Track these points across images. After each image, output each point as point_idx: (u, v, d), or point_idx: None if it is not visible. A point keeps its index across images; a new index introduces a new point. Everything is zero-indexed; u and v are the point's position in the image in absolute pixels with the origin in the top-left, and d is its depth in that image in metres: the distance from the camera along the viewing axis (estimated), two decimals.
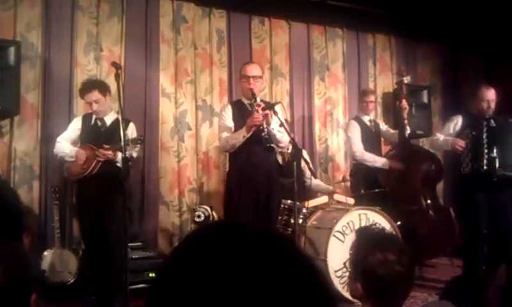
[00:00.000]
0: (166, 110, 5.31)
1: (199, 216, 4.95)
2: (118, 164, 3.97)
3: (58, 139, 4.21)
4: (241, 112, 4.07)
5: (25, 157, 4.61)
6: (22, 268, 1.41)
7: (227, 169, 4.62)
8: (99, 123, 4.18)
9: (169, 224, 5.23)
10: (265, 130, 3.78)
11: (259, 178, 3.96)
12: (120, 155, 3.88)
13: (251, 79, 4.00)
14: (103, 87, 4.15)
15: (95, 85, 4.15)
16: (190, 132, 5.43)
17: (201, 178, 5.42)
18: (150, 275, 4.08)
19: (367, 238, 1.87)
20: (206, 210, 4.93)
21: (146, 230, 5.10)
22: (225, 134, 4.04)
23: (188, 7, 5.51)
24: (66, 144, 4.17)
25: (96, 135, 4.10)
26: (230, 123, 4.06)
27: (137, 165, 4.86)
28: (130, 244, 3.57)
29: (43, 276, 4.07)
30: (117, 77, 3.45)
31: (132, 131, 4.17)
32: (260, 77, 4.16)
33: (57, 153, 4.21)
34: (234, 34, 5.77)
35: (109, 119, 4.19)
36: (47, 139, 4.68)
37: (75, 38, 4.92)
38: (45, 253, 4.22)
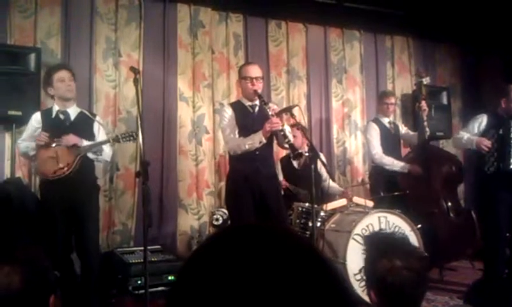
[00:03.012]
0: (184, 114, 5.34)
1: (217, 219, 4.97)
2: (93, 160, 3.84)
3: (18, 141, 3.97)
4: (242, 114, 3.96)
5: None
6: (41, 271, 1.43)
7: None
8: (61, 116, 3.86)
9: (187, 227, 5.25)
10: (283, 130, 3.74)
11: (262, 181, 3.89)
12: (85, 143, 3.75)
13: (255, 80, 3.90)
14: (71, 71, 3.93)
15: (63, 66, 4.02)
16: (208, 135, 5.45)
17: (219, 181, 5.43)
18: (169, 278, 4.08)
19: (374, 246, 1.85)
20: (224, 213, 4.94)
21: (165, 233, 5.13)
22: (232, 136, 3.92)
23: (205, 12, 5.54)
24: (27, 143, 3.85)
25: (61, 130, 3.75)
26: (235, 125, 3.94)
27: (106, 166, 4.82)
28: (149, 247, 3.56)
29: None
30: (136, 81, 3.45)
31: (98, 126, 3.97)
32: (262, 78, 4.05)
33: (20, 152, 3.95)
34: (251, 37, 5.79)
35: (72, 112, 3.90)
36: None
37: (94, 44, 4.98)
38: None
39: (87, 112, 4.01)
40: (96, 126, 3.95)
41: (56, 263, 3.57)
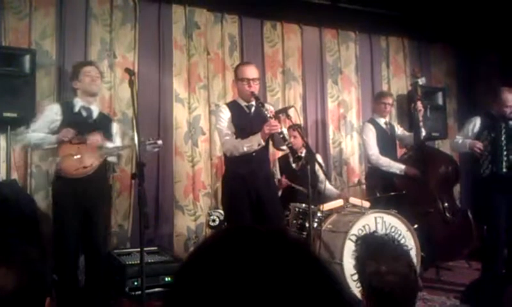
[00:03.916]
0: (180, 115, 5.33)
1: (214, 220, 4.96)
2: (110, 159, 3.85)
3: (28, 130, 3.82)
4: (239, 114, 3.96)
5: (42, 163, 4.64)
6: (36, 273, 1.42)
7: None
8: (84, 112, 3.82)
9: (184, 228, 5.24)
10: (282, 132, 3.74)
11: (258, 182, 3.89)
12: (108, 144, 3.75)
13: (252, 82, 3.89)
14: (99, 69, 3.98)
15: (92, 62, 4.07)
16: (203, 136, 5.45)
17: (216, 183, 5.43)
18: (166, 279, 4.08)
19: (363, 247, 1.86)
20: (221, 214, 4.94)
21: (161, 234, 5.12)
22: (229, 138, 3.90)
23: (200, 13, 5.54)
24: (41, 134, 3.71)
25: (83, 127, 3.70)
26: (231, 126, 3.94)
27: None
28: (145, 249, 3.55)
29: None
30: (131, 83, 3.44)
31: (116, 131, 4.00)
32: (259, 79, 4.05)
33: (28, 142, 3.81)
34: (246, 38, 5.79)
35: (95, 110, 3.90)
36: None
37: (89, 45, 4.97)
38: None
39: (105, 113, 3.99)
40: (114, 127, 3.95)
41: (62, 263, 3.58)
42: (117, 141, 3.94)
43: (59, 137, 3.62)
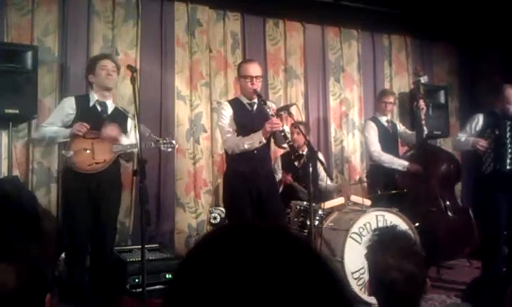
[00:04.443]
0: (182, 112, 5.34)
1: (215, 218, 4.97)
2: (122, 156, 3.82)
3: (43, 124, 3.81)
4: (241, 112, 3.95)
5: (43, 160, 4.66)
6: (36, 269, 1.42)
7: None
8: (99, 107, 3.80)
9: (185, 225, 5.25)
10: (283, 130, 3.73)
11: (259, 180, 3.89)
12: (124, 140, 3.74)
13: (255, 79, 3.88)
14: (117, 63, 3.94)
15: (108, 56, 4.03)
16: (205, 134, 5.45)
17: (217, 180, 5.43)
18: (167, 276, 4.08)
19: (376, 238, 1.87)
20: (222, 211, 4.94)
21: (162, 232, 5.13)
22: (230, 135, 3.90)
23: (203, 11, 5.54)
24: (54, 128, 3.71)
25: (97, 121, 3.68)
26: (233, 123, 3.93)
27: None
28: (146, 246, 3.55)
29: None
30: (133, 80, 3.43)
31: (131, 127, 3.93)
32: (261, 77, 4.05)
33: (43, 136, 3.77)
34: (249, 36, 5.79)
35: (110, 105, 3.88)
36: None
37: (91, 42, 4.97)
38: (63, 255, 4.23)
39: (121, 108, 3.97)
40: (130, 123, 3.92)
41: (71, 259, 3.60)
42: (131, 137, 3.89)
43: (73, 131, 3.60)
